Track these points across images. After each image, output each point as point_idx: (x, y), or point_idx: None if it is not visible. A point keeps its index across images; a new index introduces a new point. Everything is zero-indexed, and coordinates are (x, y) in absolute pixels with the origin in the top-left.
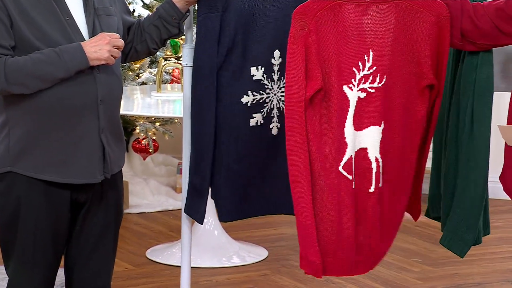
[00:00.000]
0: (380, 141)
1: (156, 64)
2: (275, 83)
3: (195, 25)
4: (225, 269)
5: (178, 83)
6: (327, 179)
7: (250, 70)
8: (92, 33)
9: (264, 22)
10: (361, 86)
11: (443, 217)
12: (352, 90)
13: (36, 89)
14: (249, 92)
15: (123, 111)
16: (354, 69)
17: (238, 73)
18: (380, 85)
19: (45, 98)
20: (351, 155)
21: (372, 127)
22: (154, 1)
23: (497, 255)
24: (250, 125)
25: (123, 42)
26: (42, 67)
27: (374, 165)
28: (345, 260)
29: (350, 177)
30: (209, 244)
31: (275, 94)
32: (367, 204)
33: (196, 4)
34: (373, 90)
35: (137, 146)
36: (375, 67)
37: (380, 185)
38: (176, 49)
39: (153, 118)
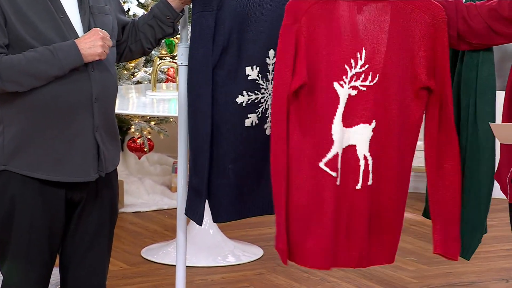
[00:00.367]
0: (370, 139)
1: (151, 63)
2: (270, 83)
3: (190, 24)
4: (220, 268)
5: (173, 82)
6: (305, 174)
7: (245, 69)
8: (87, 31)
9: (259, 22)
10: (353, 83)
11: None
12: (343, 87)
13: (30, 86)
14: (244, 92)
15: (118, 110)
16: (346, 66)
17: (233, 72)
18: (372, 83)
19: (39, 96)
20: (337, 152)
21: (362, 124)
22: (149, 0)
23: (492, 253)
24: (245, 125)
25: (111, 42)
26: (36, 65)
27: (362, 163)
28: (319, 251)
29: (334, 174)
30: (204, 243)
31: (269, 94)
32: (354, 201)
33: (191, 3)
34: (364, 88)
35: (132, 145)
36: (367, 65)
37: (370, 183)
38: (171, 48)
39: (148, 117)
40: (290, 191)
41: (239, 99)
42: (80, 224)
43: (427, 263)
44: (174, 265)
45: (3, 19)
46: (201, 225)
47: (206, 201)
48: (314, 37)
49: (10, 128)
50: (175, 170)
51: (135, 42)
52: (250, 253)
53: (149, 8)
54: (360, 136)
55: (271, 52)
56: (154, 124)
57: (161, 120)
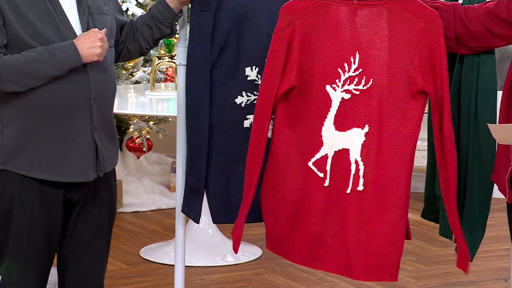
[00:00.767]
0: (362, 144)
1: (150, 63)
2: None
3: (189, 24)
4: (219, 268)
5: (172, 81)
6: (295, 169)
7: (244, 70)
8: (86, 31)
9: (258, 22)
10: (346, 87)
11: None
12: (335, 90)
13: (29, 86)
14: (243, 93)
15: (116, 110)
16: (339, 69)
17: (232, 72)
18: (365, 87)
19: (38, 96)
20: (326, 154)
21: (355, 128)
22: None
23: (491, 253)
24: (244, 126)
25: (108, 44)
26: (35, 65)
27: (353, 167)
28: (302, 247)
29: (321, 174)
30: (203, 243)
31: None
32: (344, 205)
33: (189, 4)
34: (358, 92)
35: (131, 145)
36: (361, 69)
37: (360, 188)
38: (170, 47)
39: (147, 117)
40: (279, 189)
41: (238, 100)
42: (79, 224)
43: (425, 263)
44: (173, 265)
45: (2, 19)
46: (198, 223)
47: (205, 200)
48: (308, 40)
49: (9, 128)
50: (174, 170)
51: (133, 42)
52: (249, 253)
53: (148, 7)
54: (352, 141)
55: None
56: (153, 124)
57: (160, 120)
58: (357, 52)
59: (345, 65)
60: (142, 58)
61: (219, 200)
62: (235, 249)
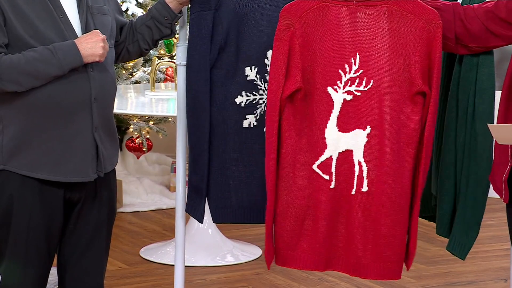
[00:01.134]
0: (365, 145)
1: (150, 62)
2: None
3: (189, 24)
4: (219, 268)
5: (172, 81)
6: (300, 174)
7: (244, 70)
8: (86, 31)
9: (257, 22)
10: (347, 88)
11: (443, 219)
12: (337, 92)
13: (29, 86)
14: (243, 93)
15: (116, 110)
16: (340, 71)
17: (231, 72)
18: (366, 88)
19: (38, 96)
20: (331, 156)
21: (357, 130)
22: None
23: (490, 253)
24: (243, 126)
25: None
26: (35, 65)
27: (356, 168)
28: (311, 251)
29: (326, 177)
30: (203, 243)
31: None
32: (350, 206)
33: (189, 4)
34: (359, 93)
35: (131, 145)
36: (361, 71)
37: (364, 189)
38: (170, 47)
39: (146, 117)
40: (286, 192)
41: (238, 99)
42: (79, 224)
43: (425, 262)
44: (173, 265)
45: (3, 19)
46: (202, 223)
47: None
48: (308, 42)
49: (10, 128)
50: (173, 170)
51: (132, 43)
52: (249, 252)
53: (148, 7)
54: (355, 142)
55: (270, 53)
56: (153, 124)
57: (160, 120)
58: (357, 53)
59: (346, 66)
60: (142, 58)
61: (219, 199)
62: (268, 266)
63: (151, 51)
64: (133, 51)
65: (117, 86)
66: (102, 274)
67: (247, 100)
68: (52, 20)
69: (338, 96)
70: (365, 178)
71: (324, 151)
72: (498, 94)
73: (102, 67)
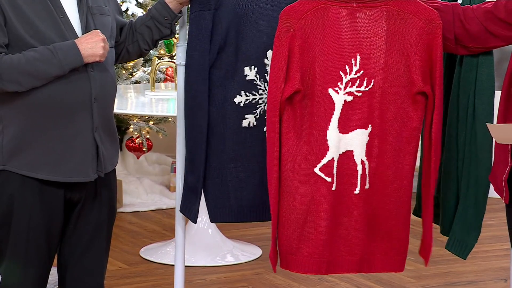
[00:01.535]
0: (367, 143)
1: (149, 62)
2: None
3: (188, 23)
4: (219, 268)
5: (172, 81)
6: (300, 179)
7: (243, 70)
8: (86, 31)
9: (257, 22)
10: (348, 89)
11: (449, 220)
12: (338, 93)
13: (30, 86)
14: (242, 92)
15: (116, 110)
16: (340, 72)
17: (231, 72)
18: (367, 89)
19: (39, 96)
20: (333, 157)
21: (358, 130)
22: None
23: (491, 253)
24: (243, 126)
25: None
26: (36, 65)
27: (359, 167)
28: (314, 256)
29: (329, 179)
30: (203, 242)
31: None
32: (352, 206)
33: (189, 4)
34: (360, 94)
35: (131, 145)
36: (362, 71)
37: (367, 187)
38: (170, 47)
39: (146, 117)
40: (286, 196)
41: (237, 99)
42: (79, 224)
43: None
44: (173, 265)
45: (3, 19)
46: (195, 223)
47: (203, 199)
48: (308, 44)
49: (10, 128)
50: (173, 170)
51: (132, 43)
52: (249, 252)
53: (148, 7)
54: (357, 142)
55: (270, 53)
56: (153, 124)
57: (160, 120)
58: (358, 54)
59: (347, 67)
60: (142, 58)
61: (218, 199)
62: (273, 269)
63: (151, 51)
64: (133, 51)
65: (117, 86)
66: (102, 274)
67: (246, 99)
68: (53, 20)
69: (339, 98)
70: (367, 176)
71: (326, 153)
72: (498, 94)
73: (103, 67)
